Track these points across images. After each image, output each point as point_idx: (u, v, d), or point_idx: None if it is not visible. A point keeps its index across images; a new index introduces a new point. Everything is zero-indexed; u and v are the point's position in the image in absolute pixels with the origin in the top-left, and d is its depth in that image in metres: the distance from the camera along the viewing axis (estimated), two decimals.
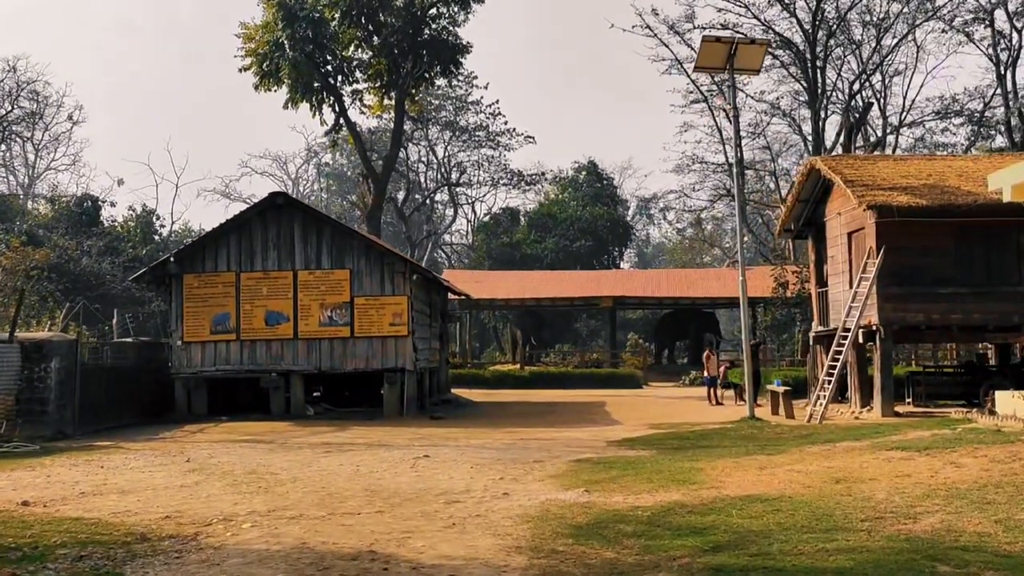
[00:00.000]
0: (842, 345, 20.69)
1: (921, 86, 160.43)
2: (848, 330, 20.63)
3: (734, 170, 21.85)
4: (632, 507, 10.00)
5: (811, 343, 25.62)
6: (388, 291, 24.64)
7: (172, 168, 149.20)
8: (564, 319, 58.06)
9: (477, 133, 70.51)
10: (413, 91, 42.29)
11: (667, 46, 56.51)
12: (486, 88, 71.90)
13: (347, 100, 41.90)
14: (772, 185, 65.55)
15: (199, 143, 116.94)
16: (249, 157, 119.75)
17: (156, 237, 50.41)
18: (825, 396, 20.34)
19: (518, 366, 44.14)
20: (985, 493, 9.75)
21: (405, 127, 69.16)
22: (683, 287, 48.95)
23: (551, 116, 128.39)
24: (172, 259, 24.72)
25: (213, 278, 24.79)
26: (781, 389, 22.48)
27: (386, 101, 42.58)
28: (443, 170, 73.39)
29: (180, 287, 24.70)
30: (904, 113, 54.11)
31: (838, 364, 20.56)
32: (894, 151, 50.30)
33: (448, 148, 72.57)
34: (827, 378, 20.64)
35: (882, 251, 20.34)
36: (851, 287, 22.43)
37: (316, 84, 40.46)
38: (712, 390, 28.51)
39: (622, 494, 10.89)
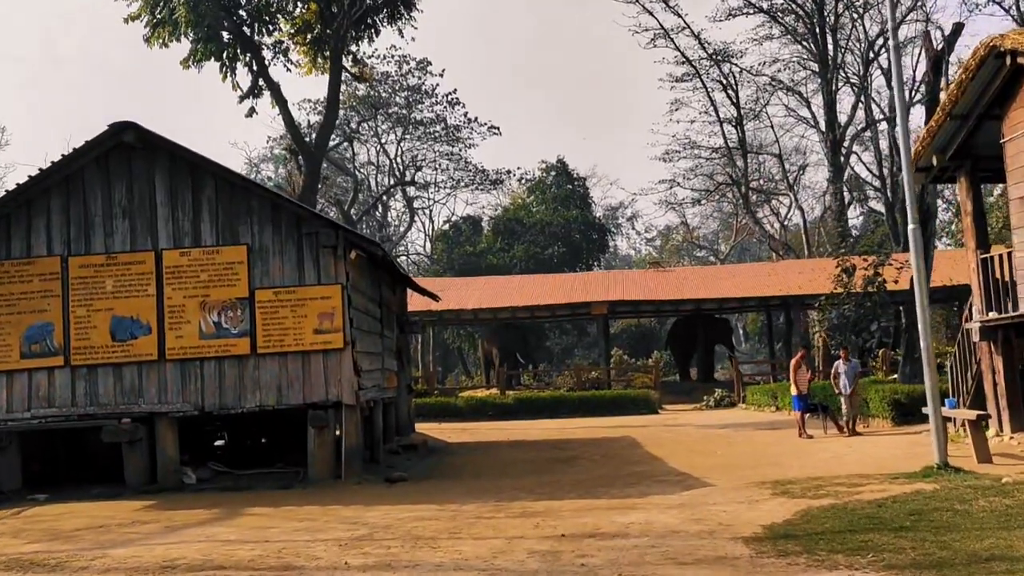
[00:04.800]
0: None
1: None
2: None
3: (889, 41, 12.94)
4: None
5: (967, 338, 16.73)
6: (311, 279, 15.27)
7: None
8: (536, 335, 49.17)
9: (433, 127, 61.24)
10: (354, 43, 32.86)
11: (651, 13, 49.07)
12: (441, 76, 62.00)
13: (268, 55, 32.40)
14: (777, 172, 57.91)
15: None
16: None
17: None
18: None
19: (496, 391, 34.99)
20: None
21: (352, 123, 60.33)
22: (691, 288, 40.06)
23: (508, 120, 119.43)
24: None
25: (23, 267, 15.19)
26: (971, 415, 13.45)
27: (319, 61, 33.21)
28: (395, 170, 63.97)
29: None
30: (915, 86, 47.13)
31: None
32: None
33: (400, 145, 63.22)
34: None
35: None
36: None
37: (227, 36, 31.02)
38: (803, 416, 19.54)
39: None
